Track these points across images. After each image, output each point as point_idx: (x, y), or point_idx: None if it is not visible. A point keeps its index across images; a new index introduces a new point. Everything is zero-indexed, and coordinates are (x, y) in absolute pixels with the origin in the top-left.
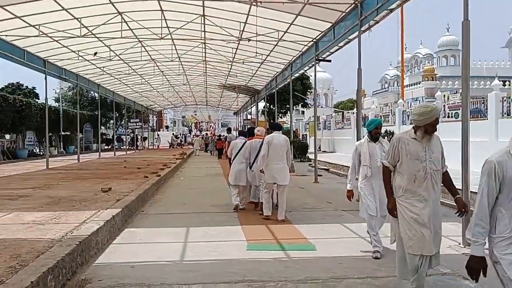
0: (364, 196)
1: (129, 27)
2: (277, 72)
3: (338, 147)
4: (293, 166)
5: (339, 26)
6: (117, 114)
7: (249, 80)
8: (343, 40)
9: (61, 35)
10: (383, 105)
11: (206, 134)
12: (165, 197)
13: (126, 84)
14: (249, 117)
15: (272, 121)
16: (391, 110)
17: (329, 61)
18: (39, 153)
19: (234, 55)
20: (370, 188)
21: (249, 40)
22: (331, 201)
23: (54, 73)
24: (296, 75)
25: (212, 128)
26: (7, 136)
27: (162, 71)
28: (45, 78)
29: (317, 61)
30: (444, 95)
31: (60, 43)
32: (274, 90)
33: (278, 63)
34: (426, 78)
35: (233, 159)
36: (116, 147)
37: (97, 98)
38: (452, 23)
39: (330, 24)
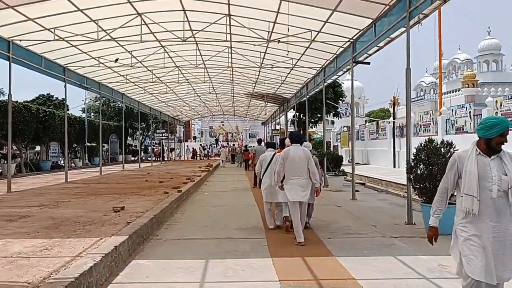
0: (467, 248)
1: (149, 29)
2: (308, 78)
3: (372, 158)
4: (326, 180)
5: (381, 23)
6: (144, 125)
7: (277, 88)
8: (384, 38)
9: (78, 39)
10: (423, 113)
11: (234, 144)
12: (185, 217)
13: (151, 93)
14: (277, 127)
15: (301, 131)
16: (432, 118)
17: (368, 63)
18: (63, 165)
19: (263, 60)
20: (476, 236)
21: (279, 41)
22: (375, 223)
23: (74, 81)
24: (330, 81)
25: (240, 139)
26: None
27: (187, 79)
28: (65, 86)
29: (354, 63)
30: (497, 101)
31: (79, 49)
32: (304, 98)
33: (309, 67)
34: (466, 85)
35: (263, 174)
36: (143, 158)
37: (123, 109)
38: (493, 25)
39: (371, 21)
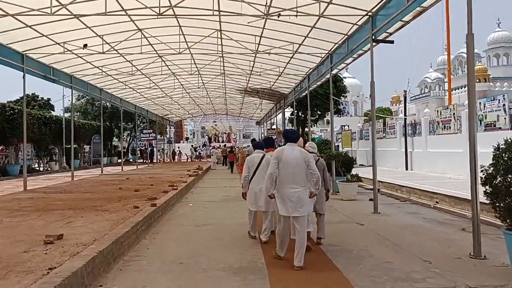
0: None
1: (149, 42)
2: (310, 68)
3: (379, 159)
4: (332, 185)
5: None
6: (131, 125)
7: (274, 82)
8: (415, 7)
9: (84, 52)
10: (441, 109)
11: (225, 145)
12: (153, 246)
13: (147, 98)
14: (273, 127)
15: (299, 130)
16: (453, 114)
17: (392, 41)
18: (37, 168)
19: (258, 46)
20: None
21: (279, 15)
22: (427, 257)
23: (80, 88)
24: (335, 70)
25: (233, 140)
26: None
27: (182, 85)
28: (71, 93)
29: (375, 43)
30: None
31: (84, 59)
32: (305, 93)
33: (313, 54)
34: (478, 80)
35: (251, 179)
36: (130, 160)
37: (108, 108)
38: (503, 17)
39: None
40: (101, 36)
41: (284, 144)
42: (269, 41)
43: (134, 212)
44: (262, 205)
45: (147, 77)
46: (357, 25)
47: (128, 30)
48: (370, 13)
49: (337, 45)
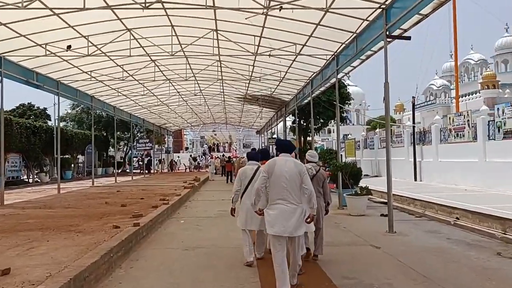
0: None
1: (139, 44)
2: (314, 72)
3: (384, 170)
4: (339, 199)
5: None
6: (128, 134)
7: (275, 89)
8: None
9: (69, 54)
10: (453, 116)
11: (223, 155)
12: (127, 281)
13: (142, 106)
14: (274, 136)
15: (301, 139)
16: (467, 121)
17: (408, 38)
18: (26, 180)
19: (257, 47)
20: None
21: (281, 8)
22: None
23: (68, 95)
24: (340, 75)
25: (233, 149)
26: None
27: (178, 92)
28: (58, 100)
29: (389, 39)
30: None
31: (70, 63)
32: (308, 99)
33: (317, 56)
34: (486, 86)
35: (243, 193)
36: (128, 171)
37: (104, 117)
38: (511, 22)
39: None
40: (86, 37)
41: (277, 155)
42: (269, 42)
43: (113, 233)
44: (256, 223)
45: (140, 83)
46: (368, 20)
47: (116, 30)
48: (383, 6)
49: (344, 45)
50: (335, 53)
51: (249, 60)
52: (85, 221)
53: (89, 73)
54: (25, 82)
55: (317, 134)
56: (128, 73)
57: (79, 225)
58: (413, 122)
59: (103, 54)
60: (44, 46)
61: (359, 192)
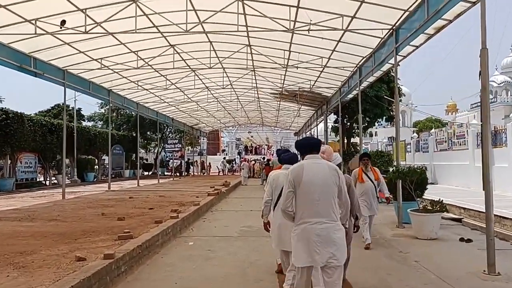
0: None
1: (181, 57)
2: (363, 57)
3: (442, 176)
4: (399, 215)
5: None
6: (160, 135)
7: (314, 82)
8: None
9: (120, 67)
10: None
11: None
12: None
13: (181, 111)
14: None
15: (344, 141)
16: None
17: None
18: (43, 182)
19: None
20: None
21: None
22: None
23: (116, 102)
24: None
25: (269, 153)
26: None
27: (216, 98)
28: (109, 108)
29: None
30: None
31: (120, 74)
32: (355, 91)
33: (368, 33)
34: None
35: (275, 205)
36: (159, 173)
37: (133, 116)
38: None
39: None
40: (136, 52)
41: (302, 158)
42: (308, 14)
43: (71, 269)
44: (288, 241)
45: (182, 91)
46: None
47: (161, 46)
48: (394, 27)
49: (407, 13)
50: (394, 27)
51: (284, 43)
52: (50, 244)
53: (136, 82)
54: (81, 91)
55: (364, 135)
56: (171, 82)
57: (34, 253)
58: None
59: (150, 67)
60: (99, 60)
61: (429, 208)
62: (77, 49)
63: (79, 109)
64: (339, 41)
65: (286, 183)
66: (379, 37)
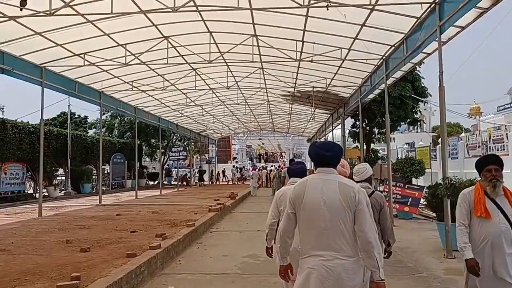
0: None
1: (178, 52)
2: (391, 46)
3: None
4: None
5: None
6: (165, 142)
7: (331, 81)
8: None
9: (108, 63)
10: None
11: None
12: None
13: (186, 116)
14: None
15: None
16: None
17: None
18: (33, 193)
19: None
20: None
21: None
22: None
23: (110, 105)
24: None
25: (282, 160)
26: None
27: (222, 102)
28: (100, 111)
29: None
30: None
31: (110, 73)
32: (380, 88)
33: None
34: None
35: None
36: (165, 182)
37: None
38: None
39: None
40: (124, 46)
41: (313, 171)
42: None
43: None
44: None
45: (183, 92)
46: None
47: (153, 38)
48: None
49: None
50: (436, 1)
51: (296, 31)
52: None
53: (130, 83)
54: (66, 92)
55: (380, 141)
56: (170, 82)
57: None
58: None
59: (142, 63)
60: (82, 56)
61: None
62: (53, 42)
63: (86, 117)
64: (363, 24)
65: (287, 202)
66: (414, 17)
